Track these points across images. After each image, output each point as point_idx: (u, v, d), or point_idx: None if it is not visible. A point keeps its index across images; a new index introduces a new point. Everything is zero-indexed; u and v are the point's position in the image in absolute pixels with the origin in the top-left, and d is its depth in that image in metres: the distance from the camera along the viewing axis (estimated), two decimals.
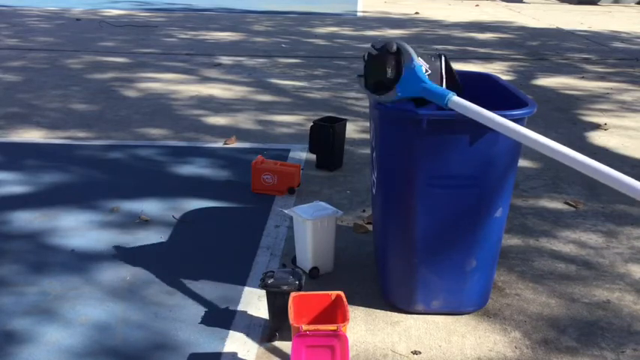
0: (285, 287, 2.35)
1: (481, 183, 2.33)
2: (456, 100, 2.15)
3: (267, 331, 2.40)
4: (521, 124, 2.28)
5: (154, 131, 4.87)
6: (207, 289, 2.73)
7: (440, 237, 2.42)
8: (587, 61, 8.15)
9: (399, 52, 2.26)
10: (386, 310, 2.59)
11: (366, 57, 2.37)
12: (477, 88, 2.88)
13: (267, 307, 2.40)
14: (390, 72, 2.26)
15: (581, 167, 1.91)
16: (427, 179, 2.32)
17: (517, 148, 2.37)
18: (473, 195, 2.35)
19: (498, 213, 2.41)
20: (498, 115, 2.10)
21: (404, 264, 2.48)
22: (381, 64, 2.29)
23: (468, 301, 2.54)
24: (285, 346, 2.35)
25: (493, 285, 2.67)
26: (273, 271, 2.43)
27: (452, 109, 2.16)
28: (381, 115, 2.38)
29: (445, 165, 2.30)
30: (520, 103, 2.41)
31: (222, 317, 2.53)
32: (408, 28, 10.72)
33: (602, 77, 7.17)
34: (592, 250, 3.15)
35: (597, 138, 4.93)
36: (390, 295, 2.58)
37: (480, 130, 2.24)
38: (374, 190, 2.66)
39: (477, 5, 15.24)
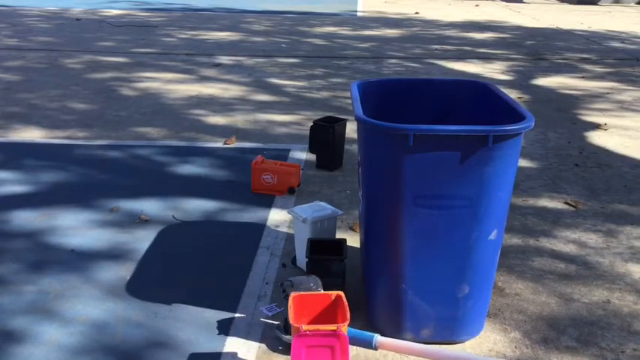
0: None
1: (474, 204, 2.16)
2: (383, 341, 2.21)
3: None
4: (519, 139, 2.16)
5: (154, 131, 4.87)
6: (207, 289, 2.73)
7: (429, 261, 2.26)
8: (586, 61, 8.15)
9: None
10: None
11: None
12: (474, 99, 2.76)
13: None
14: None
15: None
16: (414, 199, 2.16)
17: (513, 167, 2.21)
18: (465, 216, 2.18)
19: (493, 236, 2.25)
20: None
21: (391, 290, 2.33)
22: None
23: (461, 329, 2.38)
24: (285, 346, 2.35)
25: (493, 285, 2.66)
26: (291, 280, 2.40)
27: (378, 349, 2.21)
28: (366, 129, 2.22)
29: (434, 184, 2.14)
30: (517, 116, 2.27)
31: (222, 317, 2.53)
32: (407, 28, 10.72)
33: (601, 77, 7.17)
34: (592, 250, 3.15)
35: (597, 138, 4.93)
36: (376, 322, 2.44)
37: (472, 146, 2.09)
38: (360, 209, 2.52)
39: (477, 5, 15.24)
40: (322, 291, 2.36)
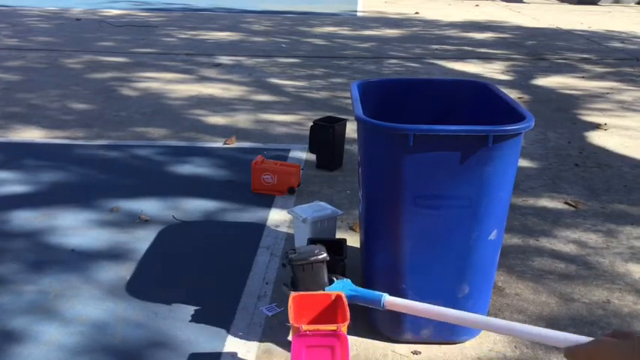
0: (311, 258, 2.30)
1: (474, 204, 2.16)
2: (391, 300, 2.20)
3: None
4: (519, 139, 2.15)
5: (154, 131, 4.87)
6: (207, 288, 2.73)
7: (429, 261, 2.25)
8: (586, 60, 8.15)
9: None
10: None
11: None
12: (474, 99, 2.75)
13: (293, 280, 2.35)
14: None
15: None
16: (414, 199, 2.16)
17: (513, 167, 2.21)
18: (465, 216, 2.17)
19: (492, 236, 2.24)
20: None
21: (391, 290, 2.30)
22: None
23: (461, 329, 2.35)
24: (285, 346, 2.35)
25: (493, 285, 2.66)
26: (294, 249, 2.38)
27: (389, 309, 2.20)
28: (366, 129, 2.22)
29: (434, 184, 2.13)
30: (517, 116, 2.25)
31: (222, 317, 2.53)
32: (407, 28, 10.72)
33: (601, 77, 7.17)
34: (592, 250, 3.15)
35: (597, 138, 4.93)
36: (375, 322, 2.44)
37: (472, 146, 2.09)
38: (360, 209, 2.51)
39: (477, 5, 15.24)
40: (326, 256, 2.33)
